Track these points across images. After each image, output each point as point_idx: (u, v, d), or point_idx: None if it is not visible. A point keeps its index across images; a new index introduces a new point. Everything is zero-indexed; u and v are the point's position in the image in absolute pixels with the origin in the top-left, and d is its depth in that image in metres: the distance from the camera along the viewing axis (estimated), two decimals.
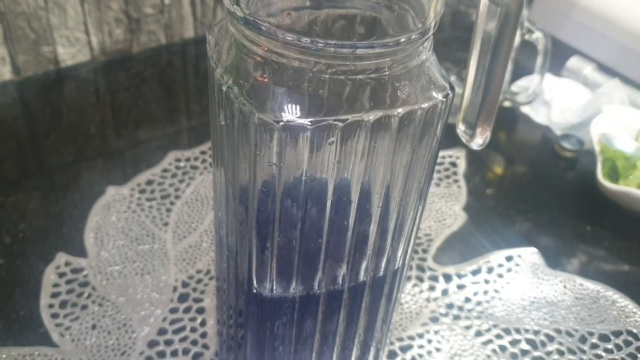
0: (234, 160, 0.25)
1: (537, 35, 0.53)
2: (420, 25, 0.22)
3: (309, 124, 0.21)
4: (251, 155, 0.23)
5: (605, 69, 0.63)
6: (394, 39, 0.21)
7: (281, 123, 0.21)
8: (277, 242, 0.25)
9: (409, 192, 0.26)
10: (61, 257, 0.42)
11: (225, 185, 0.27)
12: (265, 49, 0.22)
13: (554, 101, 0.59)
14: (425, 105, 0.23)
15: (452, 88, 0.24)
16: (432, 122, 0.24)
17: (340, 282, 0.28)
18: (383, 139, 0.23)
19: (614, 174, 0.50)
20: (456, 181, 0.52)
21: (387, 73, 0.22)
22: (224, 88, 0.23)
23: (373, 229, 0.27)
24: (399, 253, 0.29)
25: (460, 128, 0.29)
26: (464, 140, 0.29)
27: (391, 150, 0.24)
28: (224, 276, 0.32)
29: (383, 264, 0.28)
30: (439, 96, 0.23)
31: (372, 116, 0.22)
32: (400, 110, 0.22)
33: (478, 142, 0.29)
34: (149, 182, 0.49)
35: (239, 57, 0.23)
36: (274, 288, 0.27)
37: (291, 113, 0.22)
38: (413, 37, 0.22)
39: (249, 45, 0.22)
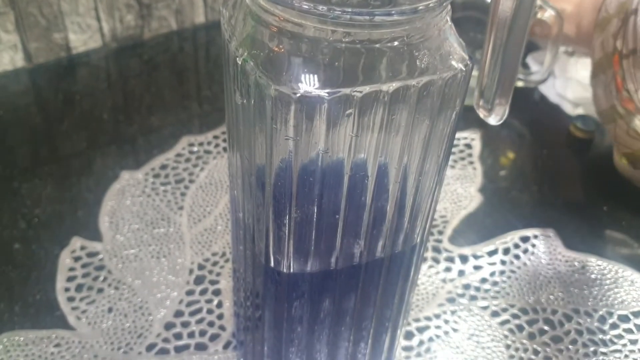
0: (250, 137, 0.25)
1: (549, 13, 0.52)
2: None
3: (327, 94, 0.21)
4: (267, 129, 0.23)
5: None
6: (411, 7, 0.21)
7: (298, 95, 0.21)
8: (294, 218, 0.25)
9: (428, 167, 0.26)
10: (76, 242, 0.42)
11: (241, 165, 0.27)
12: (281, 18, 0.21)
13: (568, 81, 0.59)
14: (444, 75, 0.22)
15: (471, 58, 0.23)
16: (452, 93, 0.23)
17: (358, 259, 0.28)
18: (401, 112, 0.23)
19: None
20: (471, 163, 0.52)
21: (405, 42, 0.22)
22: (239, 61, 0.23)
23: (391, 204, 0.26)
24: (417, 230, 0.28)
25: (479, 103, 0.28)
26: (482, 115, 0.29)
27: (409, 123, 0.23)
28: (240, 258, 0.31)
29: (400, 241, 0.28)
30: (459, 66, 0.23)
31: (390, 87, 0.22)
32: (419, 80, 0.22)
33: (496, 117, 0.28)
34: (163, 167, 0.49)
35: (254, 28, 0.23)
36: (292, 265, 0.27)
37: (308, 84, 0.21)
38: (431, 4, 0.21)
39: (264, 15, 0.22)
